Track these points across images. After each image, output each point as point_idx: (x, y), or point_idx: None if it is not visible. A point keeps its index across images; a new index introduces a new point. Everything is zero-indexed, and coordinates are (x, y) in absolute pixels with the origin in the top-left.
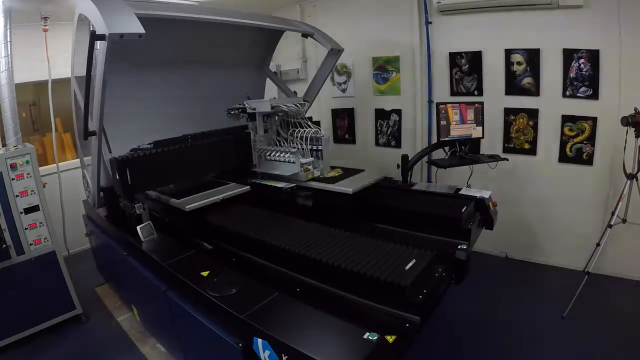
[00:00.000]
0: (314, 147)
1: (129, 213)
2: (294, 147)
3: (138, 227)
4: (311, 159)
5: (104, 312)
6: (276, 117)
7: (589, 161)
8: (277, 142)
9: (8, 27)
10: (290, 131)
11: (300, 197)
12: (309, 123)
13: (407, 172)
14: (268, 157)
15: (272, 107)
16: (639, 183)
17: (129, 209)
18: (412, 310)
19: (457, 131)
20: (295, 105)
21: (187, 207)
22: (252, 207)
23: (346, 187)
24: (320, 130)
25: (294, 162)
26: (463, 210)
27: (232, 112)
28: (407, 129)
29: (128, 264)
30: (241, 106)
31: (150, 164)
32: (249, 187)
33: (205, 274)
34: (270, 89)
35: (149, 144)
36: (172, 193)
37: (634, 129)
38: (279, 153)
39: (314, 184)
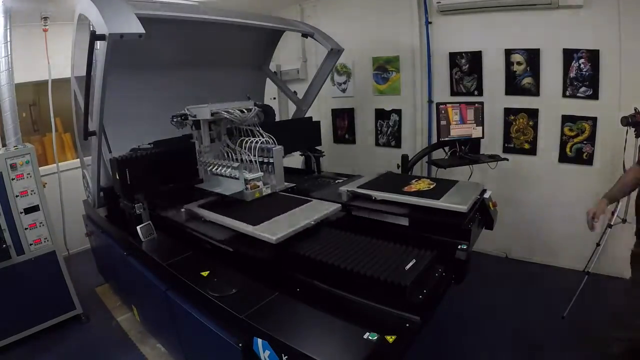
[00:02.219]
0: (265, 160)
1: (129, 213)
2: (238, 161)
3: (138, 227)
4: (260, 173)
5: (104, 312)
6: (222, 125)
7: (589, 161)
8: (226, 154)
9: (8, 27)
10: (239, 141)
11: None
12: (261, 131)
13: (407, 172)
14: (214, 172)
15: (212, 114)
16: None
17: (129, 209)
18: (412, 310)
19: (457, 131)
20: (242, 110)
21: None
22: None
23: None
24: (272, 139)
25: (238, 178)
26: None
27: (175, 120)
28: (407, 129)
29: (128, 264)
30: (183, 113)
31: (150, 164)
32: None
33: (205, 274)
34: (271, 89)
35: (149, 144)
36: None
37: (634, 129)
38: (222, 167)
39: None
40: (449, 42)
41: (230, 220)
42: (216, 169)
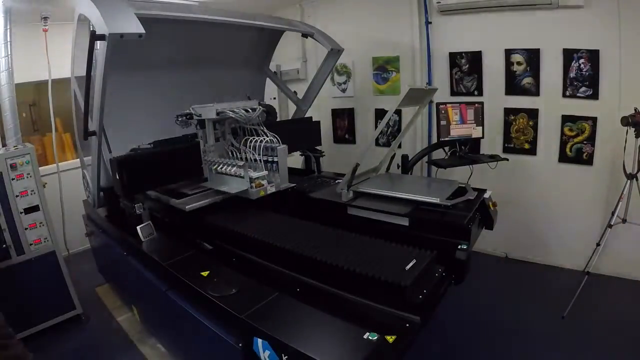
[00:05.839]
0: (269, 159)
1: (129, 213)
2: (242, 160)
3: (138, 227)
4: (264, 172)
5: (104, 312)
6: (226, 124)
7: (589, 161)
8: (231, 153)
9: (8, 27)
10: (243, 140)
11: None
12: (265, 130)
13: (407, 172)
14: (218, 170)
15: (218, 114)
16: (639, 183)
17: (129, 209)
18: (412, 311)
19: (457, 131)
20: (247, 110)
21: (187, 207)
22: (251, 207)
23: None
24: (276, 138)
25: (243, 177)
26: None
27: (180, 119)
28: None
29: (128, 264)
30: (188, 112)
31: (150, 164)
32: None
33: (205, 274)
34: (271, 89)
35: (149, 144)
36: (172, 193)
37: (634, 129)
38: (226, 166)
39: None
40: (449, 42)
41: (166, 197)
42: (221, 168)
